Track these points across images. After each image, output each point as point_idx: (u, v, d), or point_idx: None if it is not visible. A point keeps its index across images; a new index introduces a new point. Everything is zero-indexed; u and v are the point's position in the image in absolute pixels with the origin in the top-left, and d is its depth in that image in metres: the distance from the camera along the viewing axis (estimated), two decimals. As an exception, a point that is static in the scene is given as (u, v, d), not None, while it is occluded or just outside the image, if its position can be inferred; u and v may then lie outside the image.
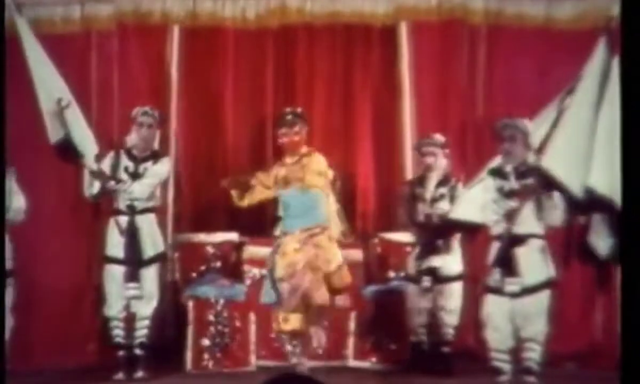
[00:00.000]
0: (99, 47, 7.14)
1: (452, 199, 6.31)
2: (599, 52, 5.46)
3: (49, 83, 6.08)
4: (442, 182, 6.44)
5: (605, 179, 5.31)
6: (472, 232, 5.98)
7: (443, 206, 6.33)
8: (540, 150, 5.64)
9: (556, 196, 5.52)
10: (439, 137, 6.54)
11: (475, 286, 6.45)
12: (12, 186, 5.97)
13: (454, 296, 6.36)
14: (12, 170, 5.96)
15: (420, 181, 6.55)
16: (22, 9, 6.33)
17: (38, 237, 6.73)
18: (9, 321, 5.91)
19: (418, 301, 6.38)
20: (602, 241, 5.43)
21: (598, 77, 5.41)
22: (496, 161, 5.86)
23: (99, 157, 6.13)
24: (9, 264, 5.88)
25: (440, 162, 6.49)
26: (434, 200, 6.40)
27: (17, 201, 5.97)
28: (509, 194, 5.71)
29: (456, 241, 6.39)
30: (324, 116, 7.38)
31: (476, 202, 5.79)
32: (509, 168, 5.75)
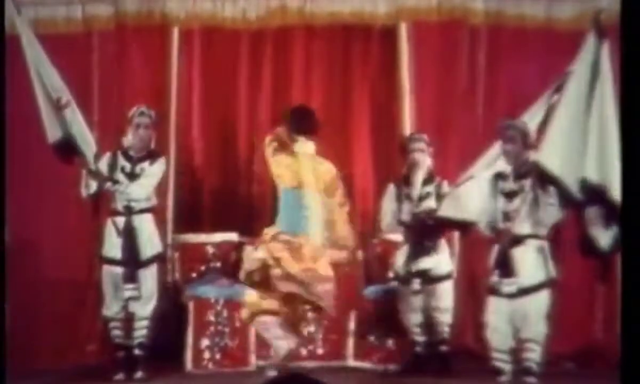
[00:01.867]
0: (99, 47, 7.16)
1: (438, 197, 6.30)
2: (589, 45, 5.47)
3: (48, 82, 6.08)
4: (428, 181, 6.43)
5: (599, 169, 5.33)
6: (465, 230, 5.98)
7: (429, 204, 6.33)
8: (535, 146, 5.65)
9: (552, 192, 5.52)
10: (425, 135, 6.52)
11: (471, 285, 6.46)
12: None
13: (445, 295, 6.34)
14: None
15: (406, 179, 6.53)
16: (23, 9, 6.33)
17: (38, 237, 6.74)
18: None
19: (411, 301, 6.37)
20: (601, 233, 5.42)
21: (589, 69, 5.42)
22: (487, 159, 5.86)
23: (97, 157, 6.14)
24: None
25: (426, 160, 6.47)
26: (421, 198, 6.39)
27: None
28: (508, 195, 5.71)
29: (444, 240, 6.40)
30: (324, 116, 7.37)
31: (467, 199, 5.81)
32: (508, 169, 5.76)
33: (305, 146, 5.60)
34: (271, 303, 5.45)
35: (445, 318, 6.35)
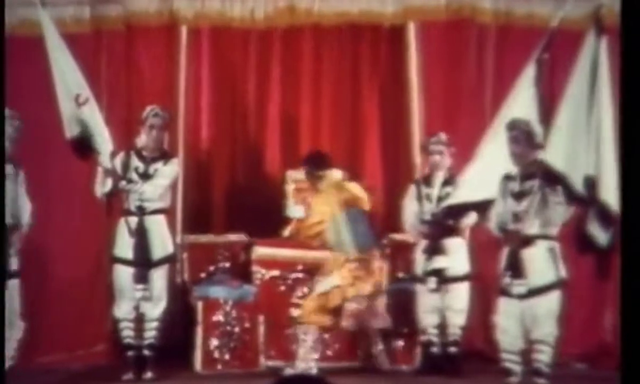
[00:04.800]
0: (108, 47, 7.15)
1: None
2: (589, 42, 5.47)
3: (68, 79, 6.10)
4: (448, 181, 6.44)
5: (595, 167, 5.34)
6: (482, 211, 5.97)
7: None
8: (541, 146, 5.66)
9: (560, 191, 5.51)
10: (444, 136, 6.54)
11: (484, 286, 6.45)
12: (20, 189, 5.93)
13: (461, 297, 6.35)
14: (21, 173, 5.94)
15: (426, 180, 6.55)
16: (31, 9, 6.36)
17: (48, 236, 6.73)
18: (20, 323, 5.90)
19: (427, 301, 6.37)
20: (599, 231, 5.42)
21: (589, 66, 5.43)
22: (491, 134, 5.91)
23: (113, 156, 6.14)
24: (14, 264, 5.87)
25: (446, 161, 6.50)
26: (440, 199, 6.40)
27: (26, 206, 5.95)
28: (516, 196, 5.70)
29: (463, 240, 6.39)
30: (332, 116, 7.40)
31: (478, 179, 5.82)
32: (515, 170, 5.74)
33: (335, 174, 6.28)
34: (323, 319, 6.03)
35: (458, 320, 6.35)
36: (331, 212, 6.03)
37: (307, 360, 6.00)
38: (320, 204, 6.11)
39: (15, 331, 5.87)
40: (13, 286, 5.87)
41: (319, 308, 5.96)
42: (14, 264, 5.87)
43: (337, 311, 5.97)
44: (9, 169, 5.84)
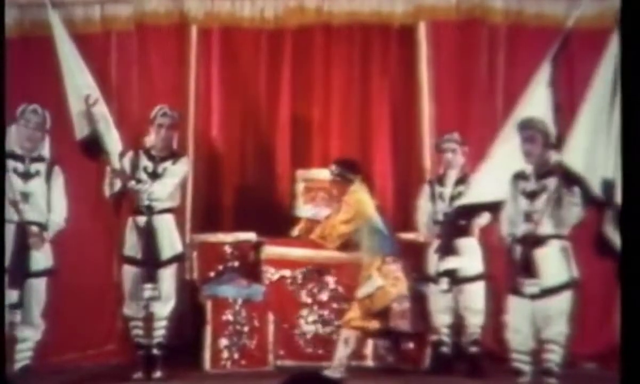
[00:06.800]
0: (118, 47, 7.18)
1: None
2: (613, 46, 5.44)
3: (78, 79, 6.14)
4: (461, 181, 6.43)
5: (615, 170, 5.32)
6: (494, 211, 5.96)
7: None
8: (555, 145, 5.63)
9: (576, 192, 5.49)
10: (457, 135, 6.54)
11: (494, 286, 6.43)
12: (58, 190, 5.91)
13: (478, 297, 6.34)
14: (58, 171, 5.91)
15: (440, 179, 6.55)
16: (41, 9, 6.40)
17: (58, 236, 6.75)
18: (41, 324, 5.89)
19: (440, 301, 6.35)
20: (617, 234, 5.39)
21: (612, 68, 5.40)
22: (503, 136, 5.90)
23: (122, 156, 6.16)
24: (48, 264, 5.86)
25: (459, 160, 6.51)
26: (453, 198, 6.39)
27: (62, 208, 5.93)
28: (530, 195, 5.67)
29: (475, 240, 6.36)
30: (342, 115, 7.40)
31: (489, 180, 5.81)
32: (529, 169, 5.72)
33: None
34: (369, 324, 5.92)
35: (477, 320, 6.34)
36: (367, 214, 5.94)
37: (341, 366, 5.92)
38: (354, 205, 5.97)
39: (35, 332, 5.87)
40: (38, 285, 5.84)
41: (365, 312, 5.87)
42: (38, 263, 5.84)
43: (382, 313, 5.89)
44: (40, 165, 5.84)
